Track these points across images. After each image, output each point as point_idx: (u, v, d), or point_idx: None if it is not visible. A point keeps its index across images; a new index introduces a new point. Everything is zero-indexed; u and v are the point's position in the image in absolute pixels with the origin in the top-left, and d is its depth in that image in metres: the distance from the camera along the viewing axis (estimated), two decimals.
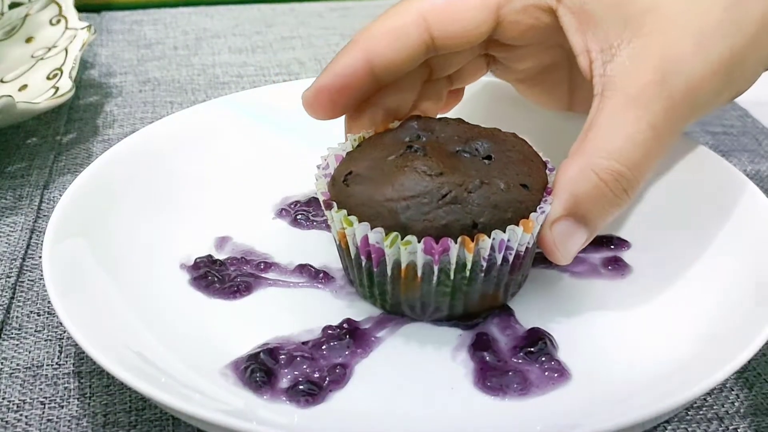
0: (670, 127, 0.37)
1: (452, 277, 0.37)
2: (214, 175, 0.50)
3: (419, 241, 0.36)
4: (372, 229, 0.37)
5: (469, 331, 0.40)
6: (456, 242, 0.36)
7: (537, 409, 0.35)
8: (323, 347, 0.38)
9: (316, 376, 0.37)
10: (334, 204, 0.39)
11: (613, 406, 0.34)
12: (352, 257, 0.39)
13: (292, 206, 0.49)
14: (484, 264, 0.37)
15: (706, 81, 0.38)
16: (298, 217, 0.48)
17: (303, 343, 0.39)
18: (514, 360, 0.38)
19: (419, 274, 0.37)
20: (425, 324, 0.40)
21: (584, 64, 0.39)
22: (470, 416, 0.35)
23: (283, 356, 0.38)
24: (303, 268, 0.44)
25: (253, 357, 0.37)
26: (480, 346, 0.38)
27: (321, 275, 0.43)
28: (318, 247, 0.46)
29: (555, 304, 0.42)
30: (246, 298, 0.42)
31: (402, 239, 0.36)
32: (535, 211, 0.37)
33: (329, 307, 0.41)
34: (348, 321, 0.40)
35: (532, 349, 0.38)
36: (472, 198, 0.37)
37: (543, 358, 0.38)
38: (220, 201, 0.48)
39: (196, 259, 0.44)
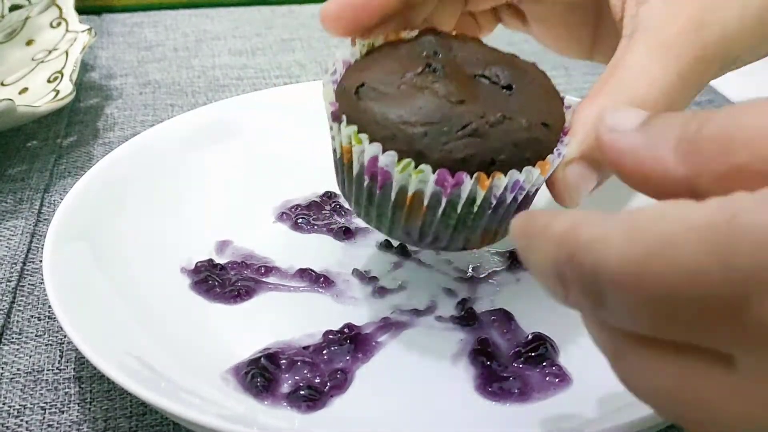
0: (697, 79, 0.36)
1: (459, 211, 0.35)
2: (215, 179, 0.50)
3: (433, 172, 0.34)
4: (384, 151, 0.34)
5: (470, 335, 0.40)
6: (471, 177, 0.34)
7: (538, 414, 0.35)
8: (324, 352, 0.38)
9: (317, 381, 0.37)
10: (344, 117, 0.36)
11: (615, 411, 0.34)
12: (354, 175, 0.37)
13: (293, 210, 0.49)
14: (494, 201, 0.35)
15: (744, 33, 0.36)
16: (298, 221, 0.48)
17: (304, 347, 0.39)
18: (515, 365, 0.38)
19: (425, 203, 0.35)
20: (426, 329, 0.40)
21: (616, 2, 0.37)
22: (471, 421, 0.35)
23: (283, 361, 0.38)
24: (304, 273, 0.44)
25: (253, 362, 0.37)
26: (481, 351, 0.38)
27: (322, 279, 0.43)
28: (318, 252, 0.46)
29: (556, 308, 0.41)
30: (247, 302, 0.42)
31: (415, 167, 0.34)
32: (552, 152, 0.35)
33: (330, 312, 0.41)
34: (349, 326, 0.40)
35: (533, 354, 0.38)
36: (493, 133, 0.34)
37: (544, 363, 0.38)
38: (220, 204, 0.48)
39: (196, 263, 0.44)
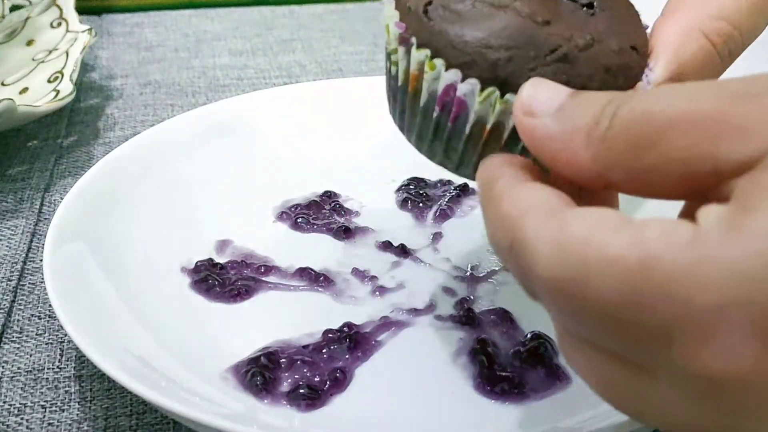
0: None
1: None
2: (215, 178, 0.50)
3: None
4: (463, 80, 0.31)
5: (469, 334, 0.40)
6: None
7: (537, 413, 0.35)
8: (323, 351, 0.39)
9: (316, 380, 0.37)
10: (413, 40, 0.32)
11: (613, 410, 0.34)
12: (420, 105, 0.33)
13: (293, 209, 0.49)
14: None
15: None
16: (298, 220, 0.48)
17: (303, 346, 0.39)
18: (514, 364, 0.38)
19: (505, 137, 0.32)
20: (425, 327, 0.40)
21: None
22: (470, 420, 0.35)
23: (283, 360, 0.38)
24: (303, 272, 0.44)
25: (253, 361, 0.37)
26: (480, 350, 0.38)
27: (321, 278, 0.43)
28: (318, 251, 0.46)
29: None
30: (246, 301, 0.42)
31: (501, 97, 0.31)
32: (641, 79, 0.32)
33: (329, 311, 0.41)
34: (348, 325, 0.40)
35: (532, 354, 0.38)
36: (582, 57, 0.31)
37: (543, 362, 0.38)
38: (221, 204, 0.49)
39: (196, 263, 0.44)
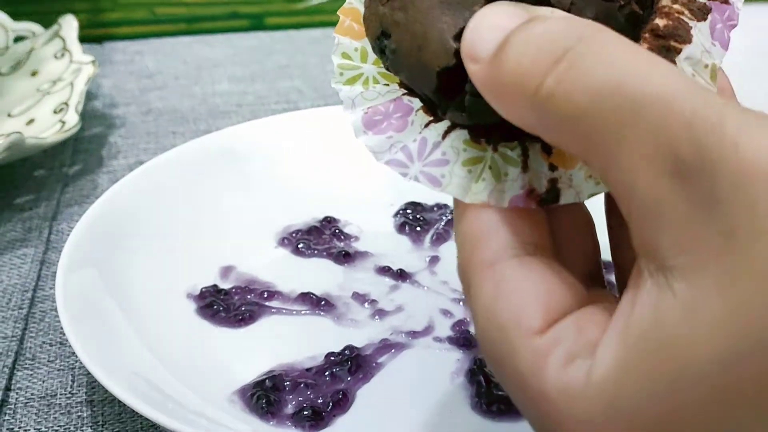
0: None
1: None
2: (218, 205, 0.51)
3: None
4: None
5: (466, 355, 0.41)
6: None
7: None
8: (326, 373, 0.40)
9: (319, 401, 0.38)
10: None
11: None
12: None
13: (294, 235, 0.51)
14: None
15: None
16: (299, 245, 0.50)
17: (306, 369, 0.40)
18: None
19: None
20: (424, 349, 0.42)
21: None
22: None
23: (287, 383, 0.39)
24: (305, 297, 0.45)
25: (258, 384, 0.39)
26: (477, 370, 0.40)
27: (323, 303, 0.45)
28: (319, 275, 0.47)
29: None
30: (251, 326, 0.44)
31: None
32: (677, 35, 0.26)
33: (331, 334, 0.43)
34: (350, 347, 0.41)
35: None
36: None
37: None
38: (224, 230, 0.50)
39: (201, 289, 0.45)
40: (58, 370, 0.42)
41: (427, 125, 0.28)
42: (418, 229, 0.51)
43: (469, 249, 0.25)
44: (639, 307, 0.21)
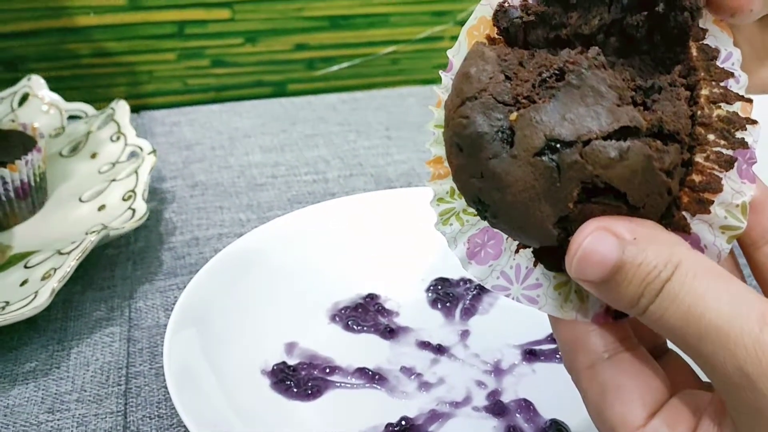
0: None
1: None
2: (277, 286, 0.60)
3: None
4: None
5: (500, 422, 0.50)
6: None
7: None
8: None
9: None
10: None
11: None
12: None
13: (343, 312, 0.59)
14: None
15: None
16: (349, 322, 0.58)
17: None
18: None
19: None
20: (465, 418, 0.51)
21: None
22: None
23: None
24: (362, 371, 0.54)
25: None
26: None
27: (377, 377, 0.53)
28: (370, 350, 0.56)
29: (569, 394, 0.52)
30: (318, 398, 0.52)
31: None
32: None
33: (387, 406, 0.52)
34: (405, 418, 0.50)
35: None
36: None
37: None
38: (283, 309, 0.59)
39: (273, 366, 0.54)
40: None
41: (517, 251, 0.37)
42: (448, 304, 0.60)
43: (571, 354, 0.35)
44: None
